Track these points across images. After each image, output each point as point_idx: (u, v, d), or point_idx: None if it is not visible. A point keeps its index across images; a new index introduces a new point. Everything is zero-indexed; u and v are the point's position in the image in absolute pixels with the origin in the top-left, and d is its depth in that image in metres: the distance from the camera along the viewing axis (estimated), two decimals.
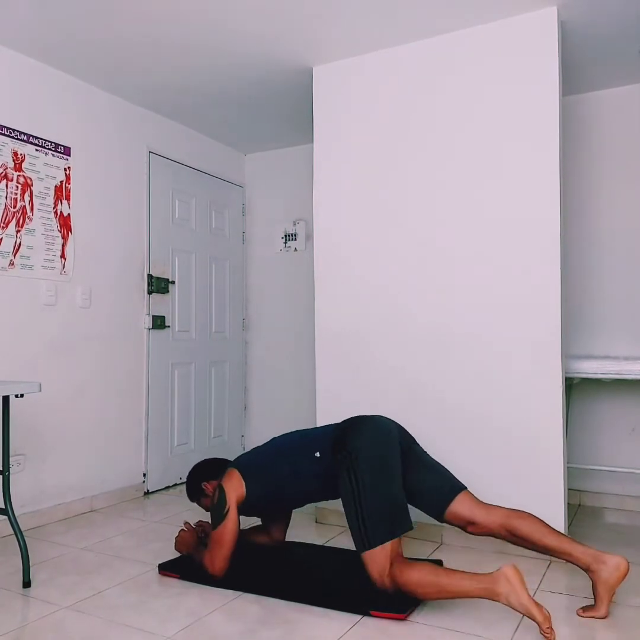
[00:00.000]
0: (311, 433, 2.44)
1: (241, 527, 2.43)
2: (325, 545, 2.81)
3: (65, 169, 3.32)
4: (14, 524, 2.35)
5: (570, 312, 3.48)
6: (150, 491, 3.80)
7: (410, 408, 2.96)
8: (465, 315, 2.88)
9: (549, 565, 2.54)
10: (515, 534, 2.18)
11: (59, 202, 3.28)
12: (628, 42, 2.97)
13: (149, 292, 3.83)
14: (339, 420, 2.78)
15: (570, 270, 3.49)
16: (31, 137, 3.15)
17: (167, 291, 3.95)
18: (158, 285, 3.87)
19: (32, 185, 3.15)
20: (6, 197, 3.02)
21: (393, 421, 2.39)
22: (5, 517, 2.38)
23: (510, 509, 2.26)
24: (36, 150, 3.17)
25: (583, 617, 2.06)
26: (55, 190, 3.26)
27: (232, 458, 2.70)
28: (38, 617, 2.08)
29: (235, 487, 2.33)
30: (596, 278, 3.50)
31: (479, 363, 2.84)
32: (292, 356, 4.46)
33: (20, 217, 3.08)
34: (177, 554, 2.62)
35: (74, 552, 2.73)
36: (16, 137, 3.08)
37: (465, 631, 1.96)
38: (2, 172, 3.01)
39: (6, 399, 2.36)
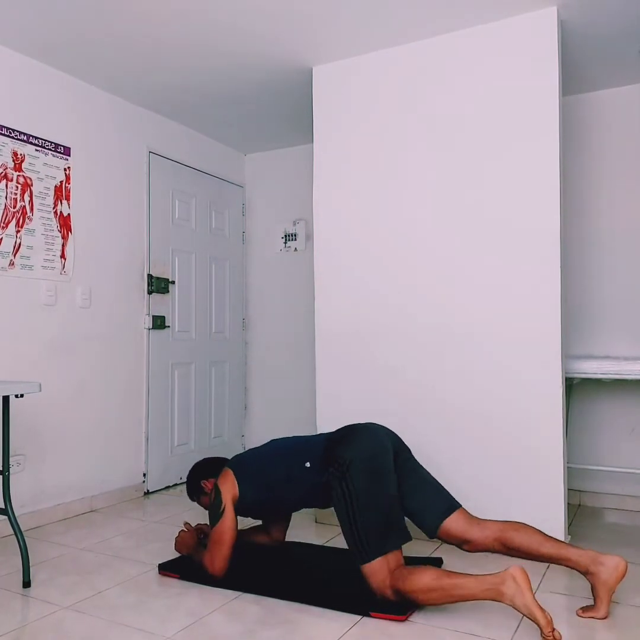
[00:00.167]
0: (304, 441, 2.40)
1: (241, 527, 2.43)
2: (325, 545, 2.81)
3: (65, 169, 3.32)
4: (14, 524, 2.35)
5: (570, 312, 3.48)
6: (150, 491, 3.80)
7: (410, 408, 2.96)
8: (465, 316, 2.88)
9: (549, 566, 2.54)
10: (510, 547, 2.17)
11: (59, 202, 3.28)
12: (628, 42, 2.97)
13: (149, 292, 3.83)
14: (339, 420, 2.78)
15: (570, 270, 3.49)
16: (31, 137, 3.15)
17: (167, 291, 3.95)
18: (158, 285, 3.87)
19: (32, 185, 3.15)
20: (6, 197, 3.02)
21: (387, 429, 2.35)
22: (5, 517, 2.38)
23: (504, 521, 2.24)
24: (36, 150, 3.17)
25: (583, 617, 2.06)
26: (55, 191, 3.26)
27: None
28: (38, 617, 2.08)
29: (229, 488, 2.34)
30: (596, 278, 3.50)
31: (478, 363, 2.84)
32: (292, 356, 4.46)
33: (20, 217, 3.09)
34: (177, 554, 2.62)
35: (74, 552, 2.73)
36: (16, 137, 3.08)
37: (465, 631, 1.96)
38: (2, 172, 3.01)
39: (6, 399, 2.36)
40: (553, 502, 2.66)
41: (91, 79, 3.42)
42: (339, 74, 3.21)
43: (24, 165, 3.11)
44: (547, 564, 2.54)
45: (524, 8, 2.73)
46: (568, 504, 2.99)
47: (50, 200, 3.23)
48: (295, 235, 4.51)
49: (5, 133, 3.03)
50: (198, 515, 3.26)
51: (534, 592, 1.96)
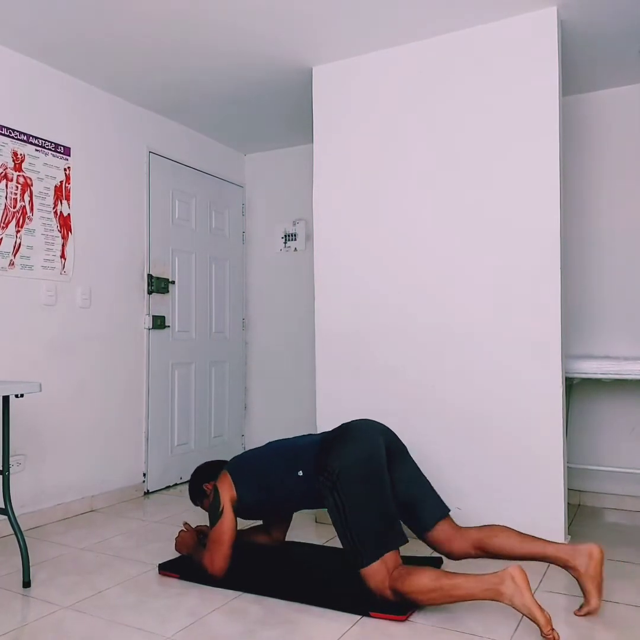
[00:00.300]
0: (299, 446, 2.36)
1: (241, 527, 2.43)
2: (325, 545, 2.81)
3: (65, 169, 3.32)
4: (14, 524, 2.36)
5: (570, 312, 3.49)
6: (150, 491, 3.80)
7: (410, 408, 2.96)
8: (465, 316, 2.88)
9: (549, 566, 2.54)
10: (490, 551, 2.19)
11: (59, 202, 3.28)
12: (628, 42, 2.97)
13: (149, 292, 3.83)
14: (339, 420, 2.78)
15: (570, 270, 3.49)
16: (31, 137, 3.15)
17: (167, 291, 3.95)
18: (158, 285, 3.87)
19: (32, 185, 3.15)
20: (6, 197, 3.02)
21: (382, 426, 2.33)
22: (5, 517, 2.38)
23: (481, 527, 2.27)
24: (36, 150, 3.17)
25: (580, 615, 2.06)
26: (55, 191, 3.26)
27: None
28: (38, 617, 2.08)
29: (227, 489, 2.35)
30: (596, 278, 3.50)
31: (479, 363, 2.84)
32: (292, 356, 4.46)
33: (20, 217, 3.09)
34: (177, 554, 2.62)
35: (74, 552, 2.73)
36: (16, 137, 3.08)
37: (465, 631, 1.96)
38: (2, 172, 3.01)
39: (6, 399, 2.36)
40: (553, 502, 2.66)
41: (91, 79, 3.42)
42: (339, 74, 3.21)
43: (24, 165, 3.11)
44: (548, 564, 2.55)
45: (524, 8, 2.73)
46: (568, 504, 2.99)
47: (50, 200, 3.24)
48: (295, 235, 4.51)
49: (5, 133, 3.03)
50: (198, 515, 3.26)
51: (534, 591, 1.97)
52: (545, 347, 2.71)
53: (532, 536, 2.19)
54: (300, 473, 2.25)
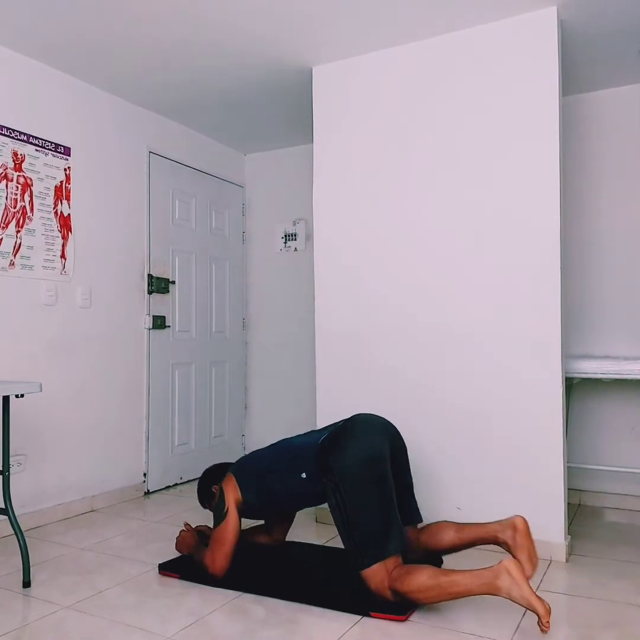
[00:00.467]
0: (302, 446, 2.34)
1: (243, 527, 2.43)
2: (325, 545, 2.81)
3: (65, 169, 3.32)
4: (14, 524, 2.36)
5: (570, 312, 3.49)
6: (150, 491, 3.80)
7: (410, 408, 2.96)
8: (465, 316, 2.88)
9: (549, 565, 2.54)
10: (433, 548, 2.25)
11: (59, 202, 3.29)
12: (628, 42, 2.97)
13: (149, 292, 3.83)
14: (339, 420, 2.78)
15: (570, 270, 3.49)
16: (31, 137, 3.15)
17: (167, 291, 3.95)
18: (158, 285, 3.87)
19: (32, 185, 3.15)
20: (6, 198, 3.02)
21: (386, 423, 2.33)
22: (6, 517, 2.38)
23: (424, 527, 2.33)
24: (36, 150, 3.17)
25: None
26: (55, 191, 3.26)
27: (234, 459, 2.70)
28: (38, 617, 2.08)
29: (232, 491, 2.35)
30: (596, 278, 3.50)
31: (479, 363, 2.84)
32: (293, 356, 4.46)
33: (20, 218, 3.09)
34: (177, 554, 2.63)
35: (74, 552, 2.73)
36: (16, 137, 3.08)
37: (465, 631, 1.96)
38: (2, 173, 3.01)
39: (6, 399, 2.36)
40: (553, 502, 2.66)
41: (91, 79, 3.42)
42: (339, 74, 3.21)
43: (24, 165, 3.12)
44: (548, 562, 2.55)
45: (524, 8, 2.73)
46: (568, 503, 2.99)
47: (50, 200, 3.24)
48: (295, 235, 4.51)
49: (5, 133, 3.04)
50: (199, 515, 3.26)
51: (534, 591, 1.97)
52: (545, 347, 2.71)
53: (466, 524, 2.28)
54: (303, 475, 2.24)
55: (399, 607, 2.04)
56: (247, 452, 4.58)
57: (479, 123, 2.87)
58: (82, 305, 3.39)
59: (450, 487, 2.87)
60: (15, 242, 3.06)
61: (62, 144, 3.32)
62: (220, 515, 2.32)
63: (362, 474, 2.11)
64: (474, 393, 2.84)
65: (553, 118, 2.73)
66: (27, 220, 3.12)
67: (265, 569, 2.46)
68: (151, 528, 3.08)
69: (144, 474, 3.78)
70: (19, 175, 3.09)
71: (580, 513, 3.30)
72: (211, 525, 2.91)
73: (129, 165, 3.73)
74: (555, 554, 2.61)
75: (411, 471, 2.43)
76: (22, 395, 2.32)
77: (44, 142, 3.21)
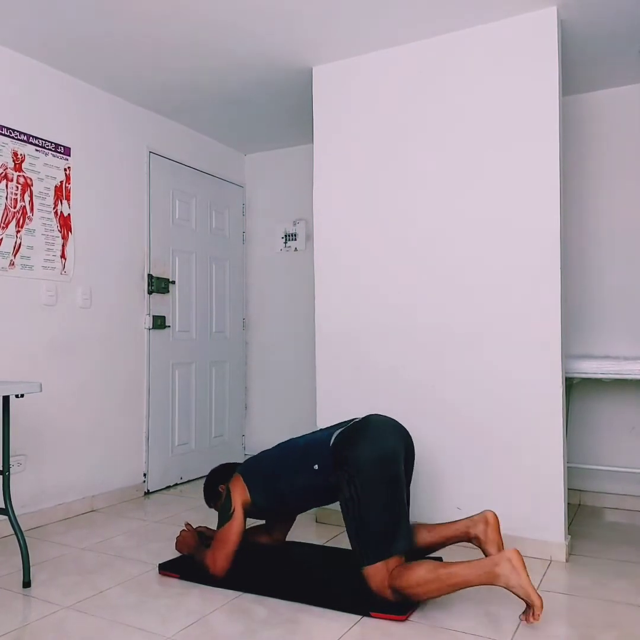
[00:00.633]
0: (312, 442, 2.36)
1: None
2: (325, 545, 2.81)
3: (65, 169, 3.32)
4: (14, 524, 2.36)
5: (570, 312, 3.49)
6: (150, 491, 3.80)
7: (410, 408, 2.96)
8: (465, 316, 2.88)
9: (549, 565, 2.54)
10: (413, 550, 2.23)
11: (59, 202, 3.29)
12: (628, 42, 2.97)
13: (149, 292, 3.83)
14: (338, 420, 2.78)
15: (570, 270, 3.49)
16: (31, 137, 3.15)
17: (167, 291, 3.95)
18: (158, 285, 3.87)
19: (32, 185, 3.15)
20: (6, 198, 3.02)
21: (401, 427, 2.32)
22: (6, 517, 2.38)
23: None
24: (36, 150, 3.17)
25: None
26: (55, 191, 3.26)
27: (234, 459, 2.70)
28: (39, 617, 2.08)
29: (240, 492, 2.34)
30: (596, 278, 3.50)
31: (479, 363, 2.84)
32: (293, 356, 4.46)
33: (20, 218, 3.09)
34: (177, 554, 2.63)
35: (75, 552, 2.73)
36: (16, 137, 3.08)
37: (465, 631, 1.96)
38: (2, 173, 3.01)
39: (6, 399, 2.36)
40: (553, 502, 2.66)
41: (91, 79, 3.42)
42: (339, 74, 3.21)
43: (24, 165, 3.12)
44: (548, 562, 2.55)
45: (524, 8, 2.73)
46: (568, 503, 2.99)
47: (50, 200, 3.24)
48: (295, 235, 4.51)
49: (5, 133, 3.04)
50: (199, 515, 3.26)
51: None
52: (545, 347, 2.71)
53: (437, 524, 2.32)
54: (316, 467, 2.24)
55: (399, 607, 2.04)
56: (247, 452, 4.59)
57: (479, 123, 2.87)
58: (82, 305, 3.39)
59: (450, 487, 2.87)
60: (15, 242, 3.06)
61: (62, 144, 3.32)
62: (225, 516, 2.32)
63: (378, 470, 2.11)
64: (474, 393, 2.84)
65: (553, 118, 2.73)
66: (27, 220, 3.12)
67: (266, 569, 2.46)
68: (151, 528, 3.08)
69: (144, 474, 3.78)
70: (19, 175, 3.09)
71: (580, 513, 3.30)
72: (210, 525, 2.92)
73: (129, 165, 3.73)
74: (555, 554, 2.61)
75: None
76: (22, 395, 2.32)
77: (44, 142, 3.21)
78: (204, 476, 3.39)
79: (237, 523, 2.30)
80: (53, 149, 3.26)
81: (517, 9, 2.74)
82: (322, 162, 3.25)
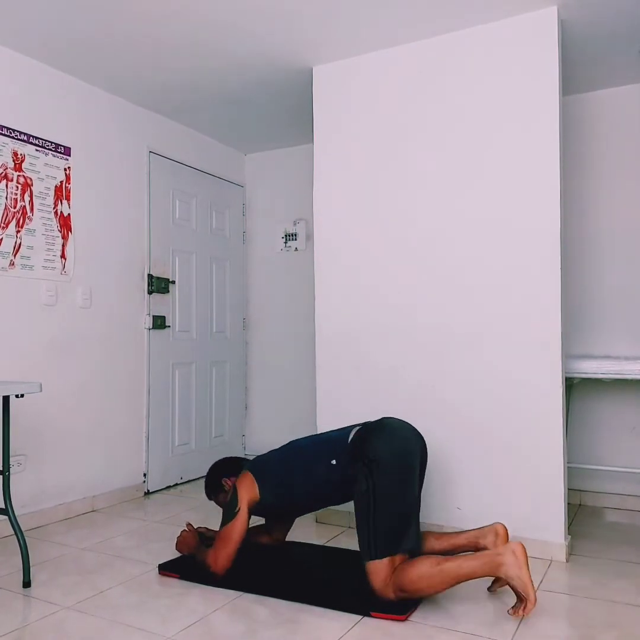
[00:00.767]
0: (329, 438, 2.37)
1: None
2: (325, 545, 2.81)
3: (65, 169, 3.32)
4: (14, 524, 2.36)
5: (570, 312, 3.49)
6: (150, 491, 3.80)
7: (410, 408, 2.96)
8: (465, 316, 2.88)
9: (549, 565, 2.54)
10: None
11: (59, 202, 3.29)
12: (628, 42, 2.97)
13: (149, 292, 3.83)
14: (339, 421, 2.79)
15: (570, 271, 3.49)
16: (31, 137, 3.15)
17: (168, 291, 3.95)
18: (158, 285, 3.87)
19: (32, 185, 3.15)
20: (6, 198, 3.02)
21: (417, 431, 2.33)
22: (6, 517, 2.38)
23: None
24: (36, 150, 3.17)
25: (493, 590, 2.13)
26: (55, 191, 3.26)
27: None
28: (39, 617, 2.08)
29: (248, 490, 2.33)
30: (596, 278, 3.50)
31: (479, 363, 2.84)
32: (293, 356, 4.46)
33: (20, 218, 3.09)
34: (177, 554, 2.63)
35: (75, 552, 2.73)
36: (16, 137, 3.08)
37: (465, 631, 1.96)
38: (2, 172, 3.01)
39: (6, 399, 2.36)
40: (553, 502, 2.66)
41: (91, 79, 3.42)
42: (339, 74, 3.21)
43: (24, 165, 3.11)
44: (549, 562, 2.55)
45: (524, 8, 2.73)
46: (568, 503, 2.99)
47: (50, 200, 3.24)
48: (295, 235, 4.51)
49: (6, 133, 3.03)
50: (199, 515, 3.26)
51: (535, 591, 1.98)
52: (545, 347, 2.71)
53: (445, 533, 2.32)
54: (334, 462, 2.24)
55: (400, 607, 2.04)
56: (247, 452, 4.59)
57: (479, 123, 2.87)
58: (82, 305, 3.39)
59: (450, 487, 2.87)
60: (15, 242, 3.06)
61: (62, 144, 3.32)
62: (230, 514, 2.31)
63: (396, 465, 2.13)
64: (474, 393, 2.84)
65: (553, 118, 2.73)
66: (27, 220, 3.12)
67: (266, 569, 2.46)
68: (152, 528, 3.08)
69: (144, 474, 3.78)
70: (19, 175, 3.09)
71: (580, 513, 3.30)
72: (210, 525, 2.92)
73: (129, 165, 3.73)
74: (556, 554, 2.61)
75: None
76: (22, 395, 2.32)
77: (44, 142, 3.21)
78: (204, 476, 3.39)
79: (241, 522, 2.30)
80: (53, 149, 3.26)
81: (517, 9, 2.74)
82: (322, 162, 3.25)
